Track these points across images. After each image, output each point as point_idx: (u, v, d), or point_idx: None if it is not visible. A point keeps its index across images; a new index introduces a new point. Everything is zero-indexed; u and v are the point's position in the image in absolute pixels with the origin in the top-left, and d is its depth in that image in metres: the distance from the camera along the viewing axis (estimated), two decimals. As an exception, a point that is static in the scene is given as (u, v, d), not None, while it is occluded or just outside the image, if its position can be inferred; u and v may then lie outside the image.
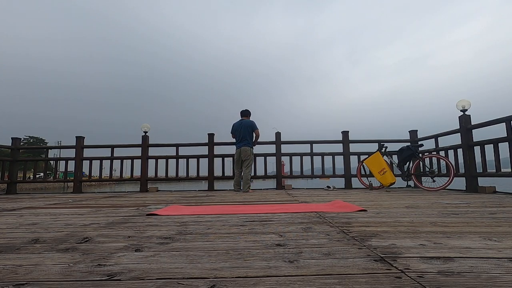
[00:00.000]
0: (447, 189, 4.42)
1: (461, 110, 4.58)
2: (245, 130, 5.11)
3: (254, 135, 5.17)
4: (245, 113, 5.28)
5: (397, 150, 5.09)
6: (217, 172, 5.95)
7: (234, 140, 5.33)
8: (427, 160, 5.07)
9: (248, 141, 5.09)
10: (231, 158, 6.00)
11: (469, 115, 4.54)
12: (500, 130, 3.92)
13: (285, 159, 6.26)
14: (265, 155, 5.96)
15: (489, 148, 4.13)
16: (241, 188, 5.05)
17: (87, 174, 6.42)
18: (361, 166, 5.51)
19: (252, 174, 5.31)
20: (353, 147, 5.92)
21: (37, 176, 6.62)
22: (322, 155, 5.89)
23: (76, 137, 6.15)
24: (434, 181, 4.55)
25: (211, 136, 6.04)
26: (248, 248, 1.15)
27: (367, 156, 5.46)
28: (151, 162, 6.06)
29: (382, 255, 1.02)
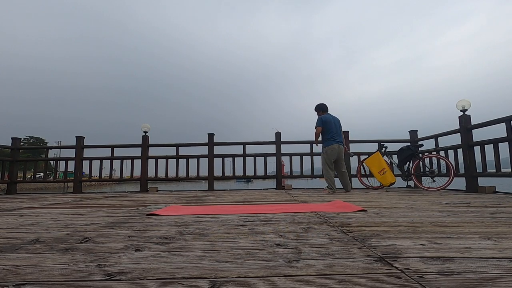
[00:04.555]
0: (447, 189, 4.42)
1: (461, 110, 4.58)
2: (338, 125, 4.66)
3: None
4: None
5: (397, 150, 5.09)
6: (217, 172, 5.95)
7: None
8: (427, 160, 5.07)
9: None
10: (231, 158, 5.99)
11: (469, 115, 4.54)
12: (500, 130, 3.92)
13: (285, 159, 6.27)
14: (265, 155, 5.96)
15: (489, 148, 4.13)
16: (347, 188, 4.64)
17: (87, 174, 6.43)
18: (361, 166, 5.52)
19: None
20: (353, 147, 5.92)
21: (37, 176, 6.63)
22: (322, 155, 5.89)
23: (76, 137, 6.15)
24: (434, 181, 4.55)
25: (211, 136, 6.04)
26: (248, 248, 1.15)
27: (367, 156, 5.46)
28: (151, 162, 6.06)
29: (382, 255, 1.02)
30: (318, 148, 6.05)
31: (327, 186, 4.61)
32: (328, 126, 4.62)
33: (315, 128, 4.68)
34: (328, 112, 4.79)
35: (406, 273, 0.85)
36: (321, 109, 4.81)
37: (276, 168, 5.99)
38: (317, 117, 4.75)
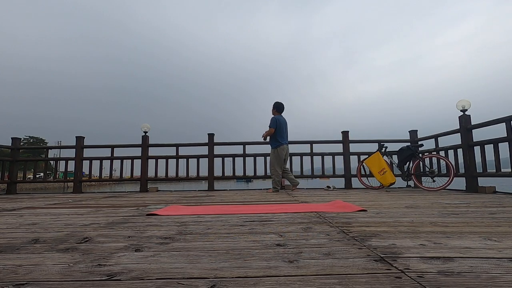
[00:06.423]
0: (447, 189, 4.42)
1: (461, 110, 4.58)
2: (287, 127, 4.93)
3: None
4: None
5: (397, 150, 5.09)
6: (217, 172, 5.95)
7: (263, 139, 5.05)
8: (427, 160, 5.07)
9: None
10: (231, 158, 5.99)
11: (469, 115, 4.54)
12: (500, 130, 3.92)
13: (285, 159, 6.26)
14: (265, 155, 5.95)
15: (489, 148, 4.13)
16: (290, 185, 4.94)
17: (87, 174, 6.42)
18: (361, 166, 5.52)
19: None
20: (353, 147, 5.92)
21: (37, 176, 6.63)
22: (322, 155, 5.89)
23: (76, 137, 6.15)
24: (434, 181, 4.55)
25: (211, 136, 6.04)
26: (248, 248, 1.15)
27: (367, 156, 5.46)
28: (151, 162, 6.06)
29: (382, 255, 1.02)
30: (319, 148, 6.03)
31: (272, 187, 4.77)
32: (280, 128, 4.80)
33: (269, 127, 4.84)
34: (281, 114, 4.96)
35: (406, 273, 0.85)
36: (278, 109, 4.94)
37: (276, 168, 5.99)
38: (272, 116, 4.89)
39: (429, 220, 1.73)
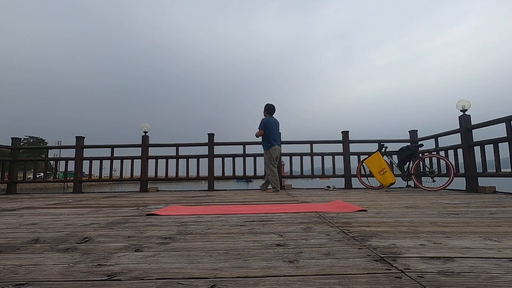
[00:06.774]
0: (447, 189, 4.42)
1: (461, 110, 4.58)
2: (278, 128, 5.00)
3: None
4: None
5: (397, 150, 5.09)
6: (217, 172, 5.95)
7: (258, 139, 5.10)
8: (427, 160, 5.07)
9: None
10: (231, 158, 5.99)
11: (469, 115, 4.54)
12: (500, 130, 3.92)
13: (285, 159, 6.26)
14: (265, 155, 5.96)
15: (489, 148, 4.13)
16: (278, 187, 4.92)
17: (87, 174, 6.42)
18: (361, 166, 5.51)
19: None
20: (353, 147, 5.92)
21: (37, 176, 6.63)
22: (322, 155, 5.89)
23: (76, 137, 6.15)
24: (434, 181, 4.55)
25: (211, 136, 6.04)
26: (248, 248, 1.15)
27: (367, 156, 5.46)
28: (151, 162, 6.06)
29: (382, 255, 1.02)
30: (319, 148, 6.05)
31: (272, 187, 4.81)
32: (270, 129, 4.86)
33: (258, 129, 4.91)
34: (273, 115, 5.02)
35: (406, 273, 0.85)
36: (269, 111, 5.01)
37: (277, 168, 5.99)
38: (263, 117, 4.97)
39: (429, 220, 1.73)
